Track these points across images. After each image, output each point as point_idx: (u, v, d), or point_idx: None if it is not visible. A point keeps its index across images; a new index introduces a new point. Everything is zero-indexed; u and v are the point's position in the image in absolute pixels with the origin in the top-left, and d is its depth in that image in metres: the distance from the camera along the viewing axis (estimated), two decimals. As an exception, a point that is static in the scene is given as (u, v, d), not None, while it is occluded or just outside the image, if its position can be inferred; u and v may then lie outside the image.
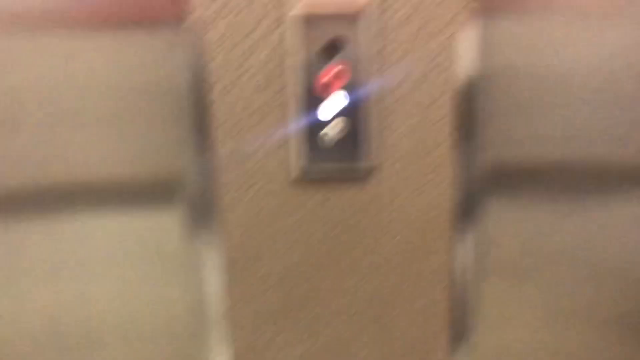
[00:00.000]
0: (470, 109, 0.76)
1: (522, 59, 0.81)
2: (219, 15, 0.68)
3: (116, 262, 0.82)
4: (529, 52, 0.81)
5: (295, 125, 0.72)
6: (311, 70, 0.70)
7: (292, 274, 0.78)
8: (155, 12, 0.73)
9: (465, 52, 0.72)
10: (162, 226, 0.80)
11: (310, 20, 0.68)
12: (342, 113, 0.72)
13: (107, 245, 0.82)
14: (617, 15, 0.81)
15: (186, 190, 0.78)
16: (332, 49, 0.69)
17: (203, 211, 0.78)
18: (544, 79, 0.82)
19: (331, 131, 0.72)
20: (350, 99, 0.71)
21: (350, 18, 0.68)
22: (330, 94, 0.71)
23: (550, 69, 0.83)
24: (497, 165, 0.86)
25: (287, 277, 0.78)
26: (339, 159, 0.74)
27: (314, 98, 0.71)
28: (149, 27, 0.74)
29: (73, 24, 0.73)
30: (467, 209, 0.80)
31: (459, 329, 0.85)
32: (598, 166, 0.88)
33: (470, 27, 0.71)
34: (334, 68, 0.70)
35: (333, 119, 0.72)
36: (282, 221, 0.76)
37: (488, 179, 0.84)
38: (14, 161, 0.78)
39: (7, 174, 0.78)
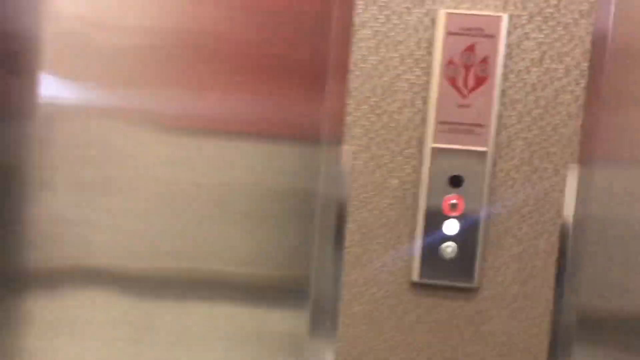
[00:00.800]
0: (567, 250, 0.87)
1: (621, 206, 0.93)
2: (365, 149, 0.85)
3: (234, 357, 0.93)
4: (628, 200, 0.94)
5: (418, 239, 0.85)
6: (436, 196, 0.84)
7: (396, 375, 0.87)
8: (311, 129, 0.91)
9: (569, 195, 0.85)
10: (284, 323, 0.92)
11: (440, 154, 0.84)
12: (456, 237, 0.85)
13: (225, 339, 0.93)
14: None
15: (312, 289, 0.90)
16: (455, 181, 0.84)
17: (324, 311, 0.89)
18: (638, 228, 0.94)
19: (447, 249, 0.85)
20: (465, 225, 0.85)
21: (474, 156, 0.83)
22: (450, 217, 0.84)
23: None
24: (587, 311, 0.95)
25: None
26: (451, 275, 0.85)
27: (436, 219, 0.84)
28: (305, 141, 0.91)
29: (228, 130, 0.92)
30: (556, 344, 0.88)
31: None
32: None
33: (574, 170, 0.85)
34: (454, 198, 0.84)
35: (450, 239, 0.85)
36: (397, 321, 0.86)
37: (577, 322, 0.93)
38: (157, 247, 0.93)
39: (156, 258, 0.93)
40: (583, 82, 0.82)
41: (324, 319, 0.88)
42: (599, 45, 0.84)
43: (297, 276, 0.92)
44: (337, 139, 0.86)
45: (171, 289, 0.94)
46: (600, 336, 0.95)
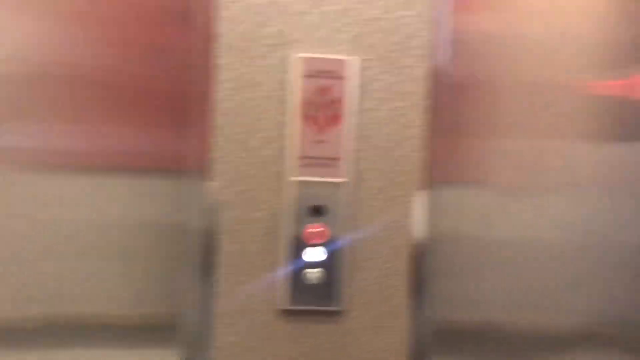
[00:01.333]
0: (420, 268, 0.96)
1: (466, 225, 1.04)
2: (231, 184, 0.89)
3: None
4: (472, 219, 1.04)
5: (285, 268, 0.90)
6: (299, 226, 0.90)
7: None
8: (169, 162, 0.93)
9: (419, 217, 0.94)
10: None
11: (301, 186, 0.89)
12: (321, 264, 0.91)
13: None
14: (541, 192, 1.06)
15: (183, 324, 0.92)
16: (317, 211, 0.90)
17: (197, 345, 0.91)
18: (487, 245, 1.05)
19: (312, 277, 0.90)
20: (328, 252, 0.91)
21: (333, 187, 0.90)
22: (313, 246, 0.90)
23: (486, 236, 1.05)
24: (442, 323, 1.04)
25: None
26: (317, 300, 0.91)
27: (300, 247, 0.90)
28: (162, 174, 0.94)
29: (91, 167, 0.92)
30: (416, 357, 0.96)
31: None
32: (537, 330, 1.07)
33: (423, 195, 0.94)
34: (317, 227, 0.90)
35: (314, 267, 0.90)
36: (270, 349, 0.90)
37: (435, 336, 1.02)
38: (22, 292, 0.91)
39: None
40: (425, 117, 0.92)
41: (196, 354, 0.90)
42: (438, 82, 0.94)
43: (168, 313, 0.93)
44: (205, 174, 0.89)
45: (39, 336, 0.92)
46: (455, 346, 1.05)
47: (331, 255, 0.91)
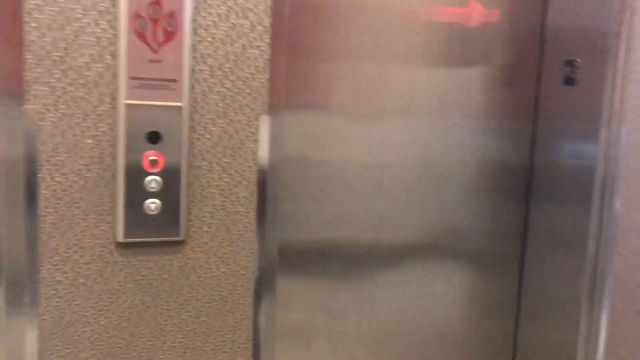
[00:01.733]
0: (264, 193, 0.94)
1: (310, 149, 1.03)
2: (51, 108, 0.79)
3: None
4: (316, 142, 1.04)
5: (121, 198, 0.83)
6: (135, 153, 0.83)
7: (112, 333, 0.85)
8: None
9: (262, 142, 0.91)
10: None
11: (135, 111, 0.82)
12: (159, 193, 0.85)
13: None
14: (384, 116, 1.08)
15: (3, 264, 0.83)
16: (153, 137, 0.84)
17: (22, 285, 0.82)
18: (330, 167, 1.05)
19: (151, 205, 0.85)
20: (167, 180, 0.85)
21: (170, 112, 0.84)
22: (150, 174, 0.84)
23: (329, 159, 1.06)
24: (287, 245, 1.05)
25: (106, 336, 0.85)
26: (157, 231, 0.86)
27: (136, 175, 0.83)
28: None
29: None
30: (262, 280, 0.96)
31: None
32: (376, 245, 1.12)
33: (266, 121, 0.91)
34: (153, 154, 0.84)
35: (153, 196, 0.85)
36: (105, 284, 0.84)
37: (279, 257, 1.02)
38: None
39: None
40: (267, 38, 0.87)
41: (21, 294, 0.82)
42: (280, 1, 0.89)
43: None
44: (18, 97, 0.78)
45: None
46: (300, 265, 1.06)
47: (170, 183, 0.85)
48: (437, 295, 1.19)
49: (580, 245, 1.13)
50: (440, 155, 1.15)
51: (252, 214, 0.91)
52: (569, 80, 1.15)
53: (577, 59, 1.14)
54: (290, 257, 1.06)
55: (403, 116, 1.10)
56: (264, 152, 0.91)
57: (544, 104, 1.21)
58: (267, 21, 0.87)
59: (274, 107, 0.91)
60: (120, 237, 0.84)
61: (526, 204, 1.24)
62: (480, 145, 1.18)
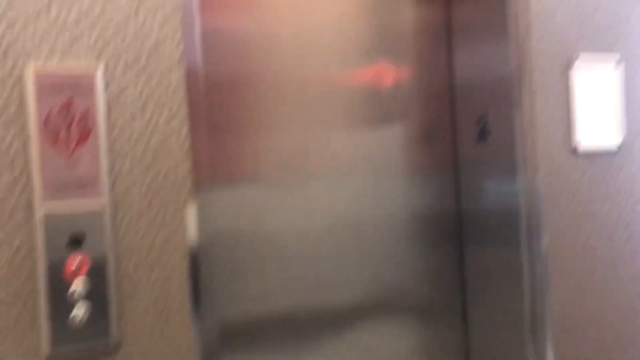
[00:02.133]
0: (199, 276, 0.92)
1: (240, 223, 1.02)
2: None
3: None
4: (245, 216, 1.03)
5: (45, 310, 0.79)
6: (56, 260, 0.79)
7: None
8: None
9: (191, 226, 0.89)
10: None
11: (54, 218, 0.79)
12: (86, 297, 0.82)
13: None
14: (311, 182, 1.09)
15: None
16: (76, 241, 0.81)
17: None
18: (262, 239, 1.05)
19: (78, 313, 0.81)
20: (94, 284, 0.82)
21: (91, 214, 0.81)
22: (75, 280, 0.81)
23: (262, 230, 1.05)
24: (228, 323, 1.02)
25: None
26: (87, 338, 0.82)
27: (60, 285, 0.80)
28: None
29: None
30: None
31: None
32: (321, 309, 1.11)
33: (194, 209, 0.89)
34: (77, 259, 0.81)
35: (79, 302, 0.81)
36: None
37: (222, 337, 0.99)
38: None
39: None
40: (185, 129, 0.87)
41: None
42: (193, 87, 0.89)
43: None
44: None
45: None
46: (244, 341, 1.04)
47: (97, 285, 0.82)
48: (386, 353, 1.18)
49: (517, 287, 1.16)
50: (370, 213, 1.17)
51: (187, 305, 0.89)
52: (482, 134, 1.21)
53: (487, 113, 1.19)
54: (235, 336, 1.04)
55: (330, 180, 1.12)
56: (194, 238, 0.89)
57: (463, 156, 1.25)
58: (183, 112, 0.87)
59: (202, 188, 0.90)
60: (48, 350, 0.80)
61: (460, 250, 1.27)
62: (408, 200, 1.21)
